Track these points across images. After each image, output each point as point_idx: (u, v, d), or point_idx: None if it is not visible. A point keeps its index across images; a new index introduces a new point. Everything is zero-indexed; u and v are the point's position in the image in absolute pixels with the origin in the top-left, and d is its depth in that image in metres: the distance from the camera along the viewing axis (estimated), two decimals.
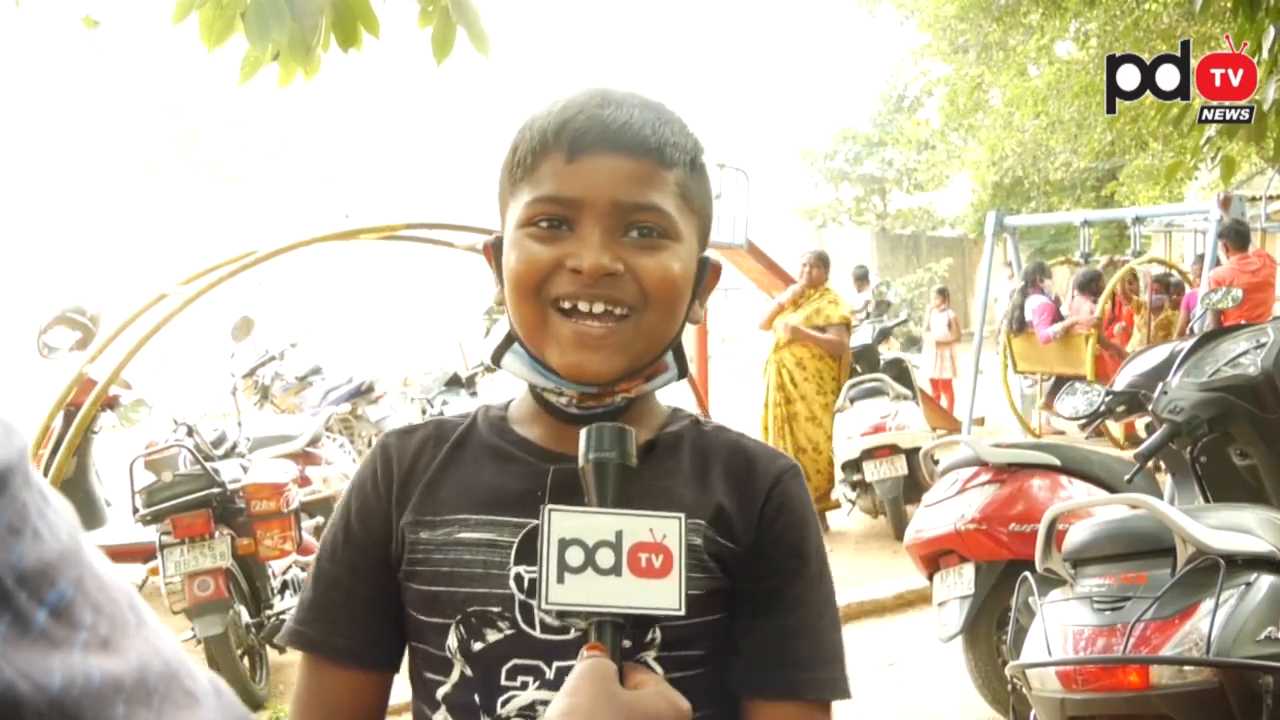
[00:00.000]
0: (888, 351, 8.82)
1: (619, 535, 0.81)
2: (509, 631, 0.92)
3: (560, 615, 0.83)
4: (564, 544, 0.80)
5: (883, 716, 4.08)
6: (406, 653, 1.01)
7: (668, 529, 0.82)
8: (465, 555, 0.94)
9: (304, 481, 5.02)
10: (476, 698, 0.93)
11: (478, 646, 0.93)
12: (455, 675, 0.94)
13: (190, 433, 4.54)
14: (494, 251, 1.00)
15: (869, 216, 23.82)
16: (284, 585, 4.61)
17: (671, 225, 0.93)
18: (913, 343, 11.76)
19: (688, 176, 0.95)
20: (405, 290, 13.86)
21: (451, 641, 0.94)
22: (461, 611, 0.93)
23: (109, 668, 0.37)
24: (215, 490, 4.16)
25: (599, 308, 0.91)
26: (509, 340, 0.99)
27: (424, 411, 7.33)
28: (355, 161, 24.60)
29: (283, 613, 4.42)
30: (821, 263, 6.92)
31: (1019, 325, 8.73)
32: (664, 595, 0.80)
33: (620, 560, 0.80)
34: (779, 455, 1.03)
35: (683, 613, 0.81)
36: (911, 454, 6.25)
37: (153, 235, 12.80)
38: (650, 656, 0.93)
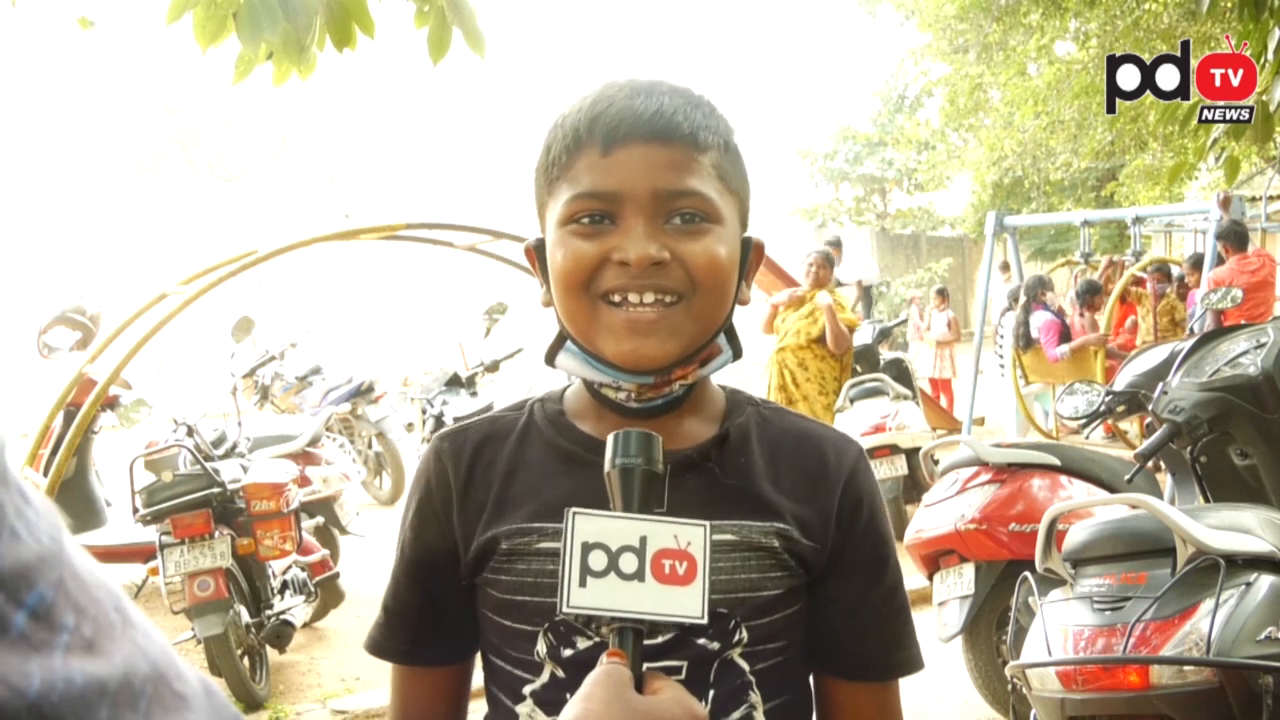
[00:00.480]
0: (887, 352, 8.81)
1: (643, 541, 0.80)
2: (597, 639, 0.94)
3: (580, 620, 0.83)
4: (587, 548, 0.79)
5: None
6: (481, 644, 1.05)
7: (693, 536, 0.81)
8: (548, 565, 0.94)
9: (304, 481, 5.02)
10: (568, 695, 0.94)
11: (568, 653, 0.95)
12: (545, 676, 0.96)
13: (190, 433, 4.54)
14: (536, 254, 1.00)
15: (869, 216, 23.81)
16: (284, 585, 4.60)
17: (712, 208, 0.93)
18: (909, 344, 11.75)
19: (723, 158, 0.95)
20: (405, 290, 13.85)
21: (540, 647, 0.96)
22: (549, 620, 0.95)
23: (92, 670, 0.36)
24: (215, 490, 4.16)
25: (649, 297, 0.91)
26: (561, 339, 1.00)
27: (424, 411, 7.32)
28: (355, 161, 24.59)
29: (283, 612, 4.42)
30: (828, 263, 6.90)
31: (1025, 342, 8.70)
32: (687, 603, 0.80)
33: (644, 566, 0.80)
34: (846, 441, 1.04)
35: (705, 621, 0.80)
36: (911, 454, 6.25)
37: (153, 235, 12.79)
38: (736, 654, 0.95)
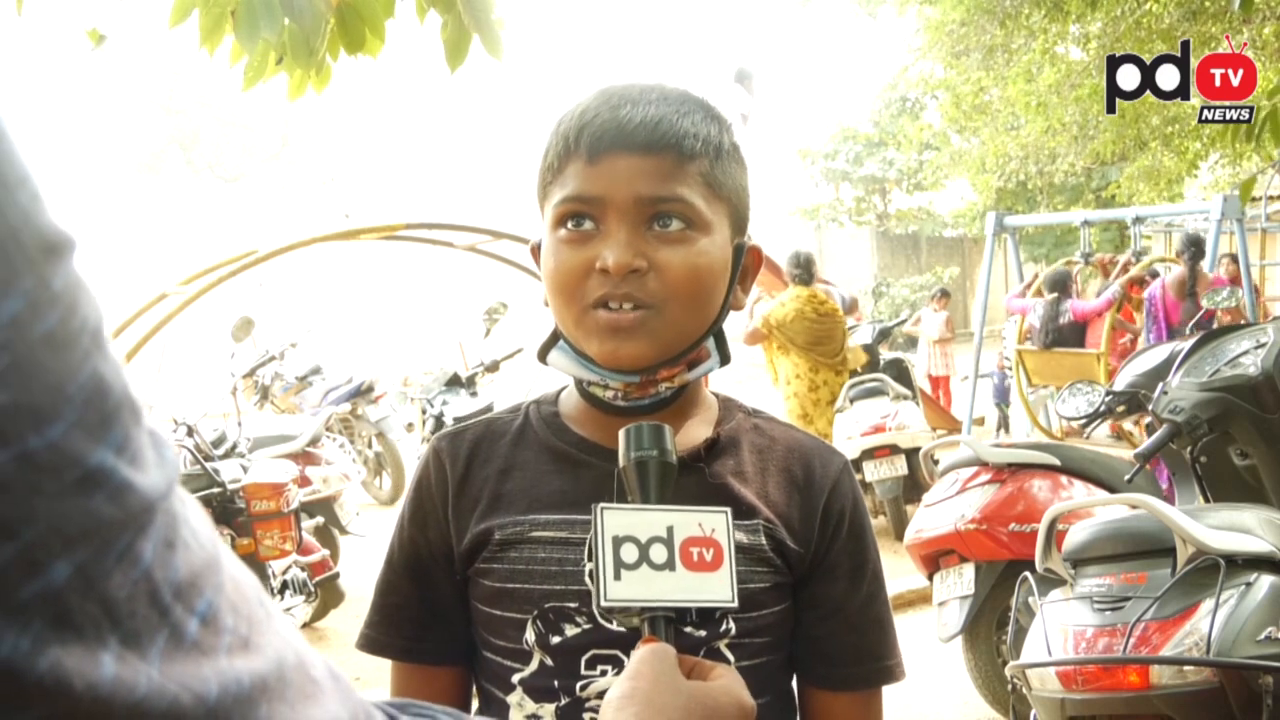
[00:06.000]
0: (887, 352, 8.80)
1: (670, 530, 0.82)
2: (586, 625, 0.96)
3: (611, 612, 0.84)
4: (618, 541, 0.81)
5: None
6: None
7: (716, 523, 0.84)
8: (540, 553, 0.98)
9: (304, 481, 5.02)
10: (555, 683, 0.97)
11: (556, 640, 0.97)
12: (534, 664, 0.98)
13: (190, 433, 4.54)
14: (537, 254, 1.04)
15: (869, 216, 23.78)
16: (284, 585, 4.60)
17: (697, 215, 0.94)
18: (910, 344, 11.74)
19: (713, 165, 0.96)
20: (405, 290, 13.85)
21: (530, 635, 0.98)
22: (539, 607, 0.97)
23: (254, 668, 0.37)
24: (215, 490, 4.16)
25: (628, 306, 0.94)
26: (554, 337, 1.02)
27: (424, 411, 7.32)
28: (355, 161, 24.59)
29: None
30: (797, 265, 6.66)
31: (1055, 338, 8.31)
32: (717, 588, 0.82)
33: (673, 555, 0.82)
34: (832, 452, 1.06)
35: (735, 604, 0.83)
36: (911, 454, 6.25)
37: (153, 235, 12.80)
38: (723, 645, 0.97)
